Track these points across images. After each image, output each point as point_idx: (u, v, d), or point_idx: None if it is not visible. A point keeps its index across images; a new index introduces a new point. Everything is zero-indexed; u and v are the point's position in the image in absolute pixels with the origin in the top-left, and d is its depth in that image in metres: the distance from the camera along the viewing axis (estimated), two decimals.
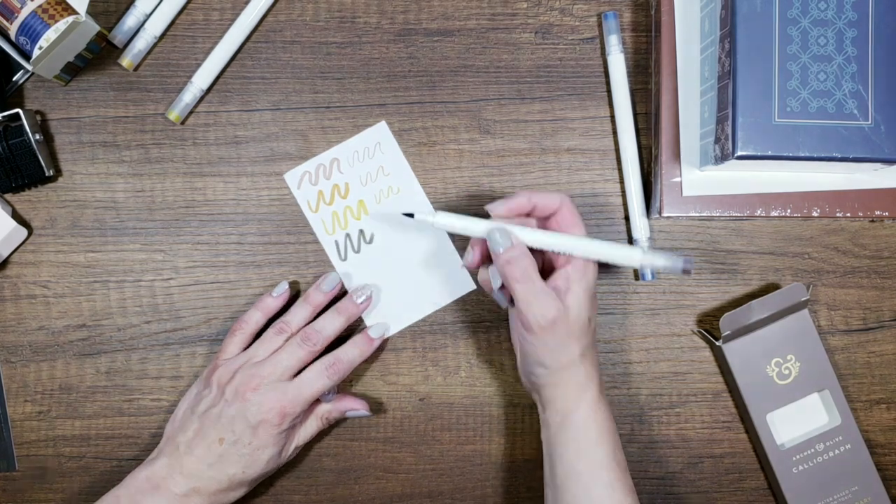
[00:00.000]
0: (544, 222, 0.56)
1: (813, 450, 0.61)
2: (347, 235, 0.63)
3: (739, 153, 0.53)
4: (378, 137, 0.63)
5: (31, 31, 0.57)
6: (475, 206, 0.63)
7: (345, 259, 0.63)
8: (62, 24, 0.57)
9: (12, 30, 0.57)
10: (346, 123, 0.63)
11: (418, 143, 0.63)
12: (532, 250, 0.53)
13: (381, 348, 0.63)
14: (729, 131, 0.54)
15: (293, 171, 0.63)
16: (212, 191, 0.63)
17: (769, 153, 0.53)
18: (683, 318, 0.63)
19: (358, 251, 0.63)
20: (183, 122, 0.63)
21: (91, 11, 0.62)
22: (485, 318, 0.63)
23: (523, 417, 0.63)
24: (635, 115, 0.63)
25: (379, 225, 0.63)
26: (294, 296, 0.62)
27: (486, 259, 0.55)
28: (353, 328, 0.62)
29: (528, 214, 0.55)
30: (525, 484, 0.63)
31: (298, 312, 0.60)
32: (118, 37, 0.62)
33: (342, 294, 0.62)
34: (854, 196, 0.60)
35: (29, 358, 0.63)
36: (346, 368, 0.58)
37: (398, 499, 0.63)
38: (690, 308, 0.63)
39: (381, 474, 0.63)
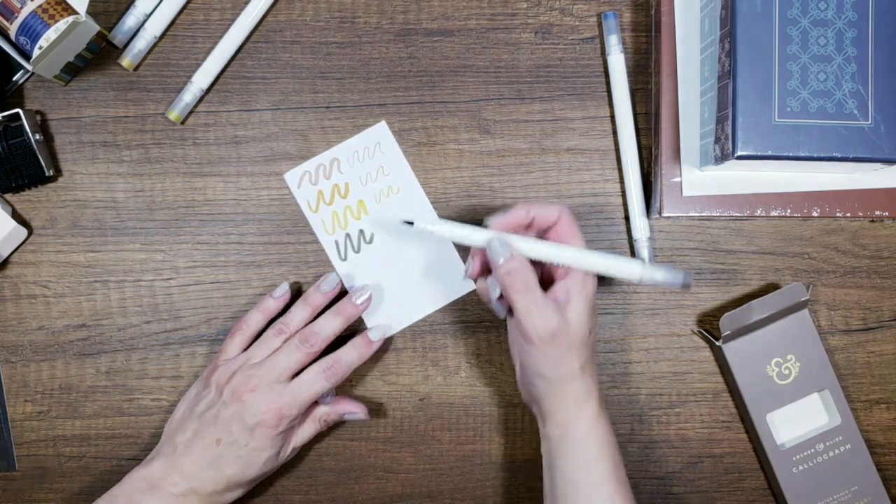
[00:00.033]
0: (543, 234, 0.55)
1: (813, 450, 0.61)
2: (347, 235, 0.63)
3: (739, 153, 0.53)
4: (378, 137, 0.63)
5: (31, 31, 0.57)
6: (475, 206, 0.63)
7: (345, 259, 0.63)
8: (62, 24, 0.57)
9: (12, 30, 0.57)
10: (346, 123, 0.63)
11: (418, 143, 0.63)
12: (532, 262, 0.53)
13: (382, 349, 0.63)
14: (729, 131, 0.54)
15: (293, 171, 0.63)
16: (212, 191, 0.63)
17: (769, 153, 0.53)
18: (683, 318, 0.64)
19: (358, 251, 0.63)
20: (183, 122, 0.63)
21: (91, 11, 0.62)
22: (485, 318, 0.63)
23: (523, 417, 0.63)
24: (635, 115, 0.63)
25: (379, 225, 0.63)
26: (295, 295, 0.62)
27: (487, 269, 0.55)
28: (356, 328, 0.62)
29: (527, 227, 0.55)
30: (525, 484, 0.63)
31: (297, 313, 0.60)
32: (118, 37, 0.62)
33: (343, 294, 0.62)
34: (854, 196, 0.60)
35: (29, 358, 0.63)
36: (345, 371, 0.58)
37: (398, 499, 0.63)
38: (690, 308, 0.63)
39: (381, 474, 0.63)
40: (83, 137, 0.63)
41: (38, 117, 0.62)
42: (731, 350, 0.61)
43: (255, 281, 0.63)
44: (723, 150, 0.55)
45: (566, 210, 0.54)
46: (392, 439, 0.63)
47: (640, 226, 0.62)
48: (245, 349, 0.59)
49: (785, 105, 0.53)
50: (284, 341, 0.58)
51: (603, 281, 0.63)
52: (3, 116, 0.60)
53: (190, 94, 0.62)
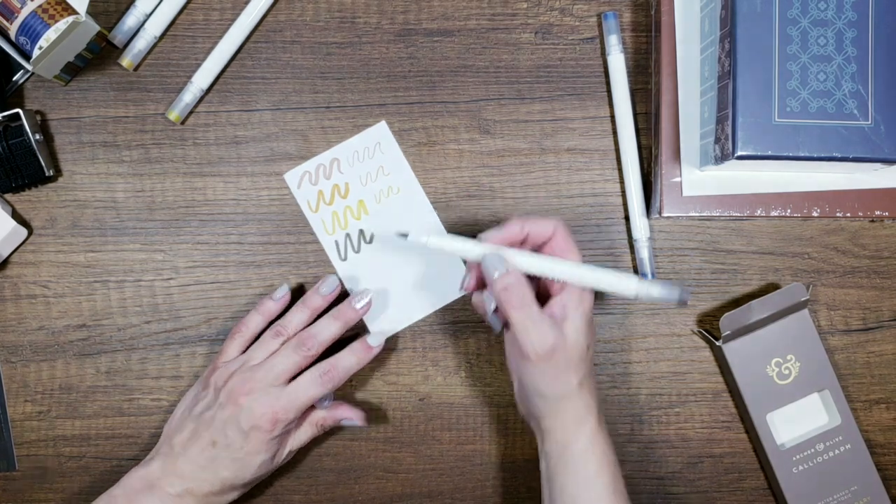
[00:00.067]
0: (539, 249, 0.54)
1: (813, 450, 0.61)
2: (347, 235, 0.63)
3: (739, 153, 0.53)
4: (378, 137, 0.63)
5: (31, 31, 0.57)
6: (475, 206, 0.63)
7: (345, 259, 0.63)
8: (62, 24, 0.57)
9: (12, 30, 0.57)
10: (346, 123, 0.63)
11: (418, 143, 0.63)
12: (528, 276, 0.52)
13: (383, 350, 0.63)
14: (729, 131, 0.54)
15: (293, 171, 0.63)
16: (212, 191, 0.63)
17: (769, 153, 0.53)
18: (683, 318, 0.64)
19: (358, 251, 0.63)
20: (183, 122, 0.63)
21: (91, 11, 0.62)
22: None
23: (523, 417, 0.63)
24: (635, 115, 0.63)
25: (379, 225, 0.63)
26: (296, 297, 0.62)
27: (483, 283, 0.54)
28: (357, 331, 0.62)
29: (521, 243, 0.54)
30: (525, 484, 0.63)
31: (296, 315, 0.59)
32: (118, 37, 0.62)
33: (344, 296, 0.62)
34: (854, 196, 0.60)
35: (29, 358, 0.63)
36: (342, 376, 0.57)
37: (398, 499, 0.63)
38: (690, 308, 0.63)
39: (381, 474, 0.63)
40: (83, 137, 0.63)
41: (38, 117, 0.62)
42: (731, 350, 0.61)
43: (255, 281, 0.63)
44: (723, 150, 0.55)
45: (561, 224, 0.53)
46: (392, 439, 0.63)
47: (640, 226, 0.62)
48: (244, 351, 0.59)
49: (785, 105, 0.53)
50: (283, 343, 0.58)
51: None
52: (3, 116, 0.60)
53: (190, 94, 0.62)
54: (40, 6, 0.57)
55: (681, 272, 0.63)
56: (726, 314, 0.60)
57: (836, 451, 0.61)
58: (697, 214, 0.60)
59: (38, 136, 0.61)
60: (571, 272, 0.52)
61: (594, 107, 0.63)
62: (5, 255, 0.62)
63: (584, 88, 0.63)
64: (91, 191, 0.63)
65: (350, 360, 0.58)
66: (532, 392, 0.53)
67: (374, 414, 0.63)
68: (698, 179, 0.60)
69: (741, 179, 0.60)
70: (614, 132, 0.63)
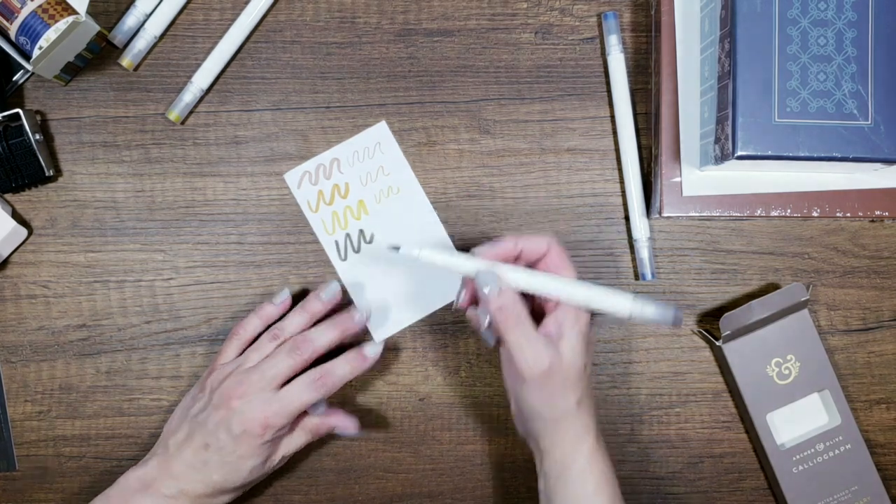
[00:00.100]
0: (533, 266, 0.54)
1: (813, 450, 0.61)
2: (347, 235, 0.63)
3: (739, 153, 0.53)
4: (378, 137, 0.63)
5: (31, 31, 0.57)
6: (475, 206, 0.63)
7: (345, 259, 0.63)
8: (62, 24, 0.57)
9: (12, 30, 0.57)
10: (346, 123, 0.63)
11: (418, 143, 0.63)
12: (522, 293, 0.52)
13: (383, 350, 0.63)
14: (729, 131, 0.54)
15: (293, 171, 0.63)
16: (212, 191, 0.63)
17: (769, 153, 0.53)
18: (683, 318, 0.63)
19: (358, 251, 0.63)
20: (183, 122, 0.63)
21: (91, 11, 0.62)
22: None
23: None
24: (635, 115, 0.63)
25: (379, 225, 0.63)
26: (296, 300, 0.62)
27: (477, 297, 0.54)
28: (361, 338, 0.62)
29: (515, 259, 0.53)
30: (525, 484, 0.63)
31: (295, 319, 0.59)
32: (118, 37, 0.62)
33: (347, 302, 0.62)
34: (854, 196, 0.60)
35: (29, 358, 0.63)
36: (335, 383, 0.56)
37: (398, 499, 0.63)
38: (690, 308, 0.63)
39: (381, 474, 0.63)
40: (83, 137, 0.63)
41: (38, 117, 0.62)
42: (731, 350, 0.61)
43: (255, 281, 0.63)
44: (723, 150, 0.55)
45: (555, 241, 0.53)
46: (392, 439, 0.63)
47: (640, 226, 0.62)
48: (241, 353, 0.59)
49: (785, 105, 0.53)
50: (278, 347, 0.57)
51: (603, 279, 0.63)
52: (3, 116, 0.60)
53: (190, 94, 0.62)
54: (40, 6, 0.57)
55: (681, 272, 0.63)
56: (726, 314, 0.60)
57: (836, 451, 0.61)
58: (697, 214, 0.60)
59: (38, 136, 0.61)
60: (565, 290, 0.51)
61: (594, 107, 0.63)
62: (5, 255, 0.62)
63: (584, 88, 0.63)
64: (91, 191, 0.63)
65: (344, 368, 0.57)
66: (529, 412, 0.52)
67: (374, 414, 0.63)
68: (698, 179, 0.60)
69: (741, 179, 0.60)
70: (614, 132, 0.63)
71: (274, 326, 0.59)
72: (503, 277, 0.51)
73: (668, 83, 0.60)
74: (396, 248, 0.53)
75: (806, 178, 0.60)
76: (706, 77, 0.59)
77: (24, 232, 0.62)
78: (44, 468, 0.63)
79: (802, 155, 0.53)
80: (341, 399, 0.63)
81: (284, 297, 0.60)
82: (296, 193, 0.63)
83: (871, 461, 0.61)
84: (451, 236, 0.63)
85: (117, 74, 0.63)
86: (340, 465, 0.63)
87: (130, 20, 0.62)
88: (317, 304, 0.59)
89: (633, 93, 0.63)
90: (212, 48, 0.62)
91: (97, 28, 0.59)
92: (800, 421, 0.62)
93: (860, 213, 0.60)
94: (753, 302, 0.60)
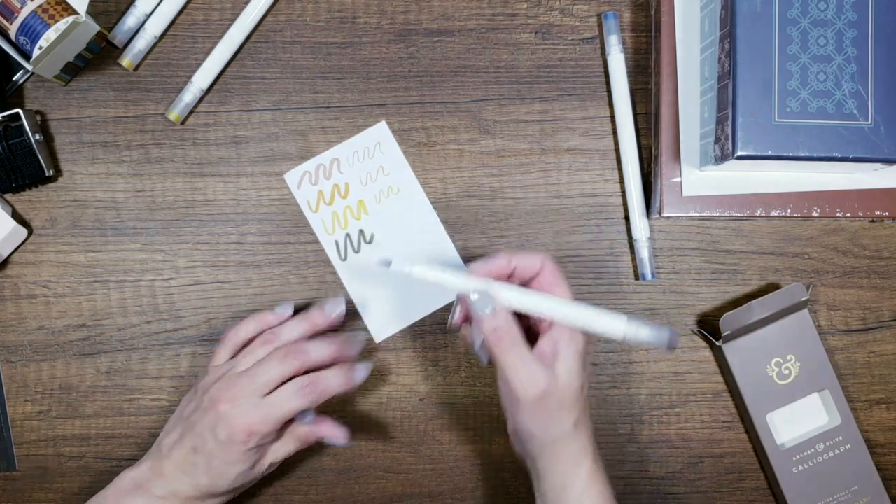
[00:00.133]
0: (527, 284, 0.53)
1: (813, 450, 0.61)
2: (347, 235, 0.63)
3: (739, 153, 0.53)
4: (378, 137, 0.63)
5: (31, 31, 0.57)
6: (475, 206, 0.63)
7: (345, 259, 0.63)
8: (62, 24, 0.57)
9: (12, 30, 0.57)
10: (346, 123, 0.63)
11: (418, 143, 0.63)
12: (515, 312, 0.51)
13: (383, 351, 0.63)
14: (729, 131, 0.54)
15: (293, 171, 0.63)
16: (212, 191, 0.63)
17: (769, 153, 0.53)
18: (683, 318, 0.63)
19: (358, 251, 0.63)
20: (183, 122, 0.63)
21: (91, 11, 0.62)
22: None
23: None
24: (635, 115, 0.63)
25: (379, 225, 0.63)
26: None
27: (470, 316, 0.53)
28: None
29: (508, 277, 0.52)
30: (525, 484, 0.63)
31: (293, 327, 0.58)
32: (118, 37, 0.62)
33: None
34: (854, 196, 0.60)
35: (29, 358, 0.63)
36: (323, 392, 0.55)
37: (398, 499, 0.63)
38: (690, 308, 0.63)
39: (381, 474, 0.63)
40: (83, 137, 0.63)
41: (38, 117, 0.62)
42: (731, 350, 0.61)
43: (255, 281, 0.63)
44: (723, 150, 0.55)
45: (549, 259, 0.52)
46: (392, 439, 0.63)
47: (640, 226, 0.62)
48: (234, 356, 0.58)
49: (785, 105, 0.53)
50: (272, 353, 0.56)
51: (603, 279, 0.63)
52: (3, 116, 0.60)
53: (190, 94, 0.62)
54: (40, 6, 0.57)
55: (681, 272, 0.63)
56: (726, 314, 0.60)
57: (836, 451, 0.61)
58: (697, 214, 0.60)
59: (38, 136, 0.61)
60: (559, 310, 0.50)
61: (594, 107, 0.63)
62: (5, 255, 0.62)
63: (584, 88, 0.63)
64: (91, 191, 0.63)
65: (334, 380, 0.55)
66: (525, 433, 0.52)
67: (374, 414, 0.63)
68: (698, 179, 0.60)
69: (741, 179, 0.60)
70: (614, 132, 0.63)
71: (269, 331, 0.58)
72: (496, 297, 0.50)
73: (668, 83, 0.60)
74: (388, 264, 0.52)
75: (806, 178, 0.60)
76: (706, 77, 0.59)
77: (24, 232, 0.62)
78: (44, 468, 0.63)
79: (802, 155, 0.53)
80: (341, 399, 0.63)
81: (286, 311, 0.59)
82: (296, 193, 0.63)
83: (871, 461, 0.61)
84: (451, 236, 0.63)
85: (117, 74, 0.63)
86: (340, 465, 0.63)
87: (130, 20, 0.62)
88: (319, 316, 0.58)
89: (633, 93, 0.63)
90: (212, 48, 0.62)
91: (97, 28, 0.59)
92: (800, 421, 0.62)
93: (860, 213, 0.60)
94: (753, 302, 0.60)
